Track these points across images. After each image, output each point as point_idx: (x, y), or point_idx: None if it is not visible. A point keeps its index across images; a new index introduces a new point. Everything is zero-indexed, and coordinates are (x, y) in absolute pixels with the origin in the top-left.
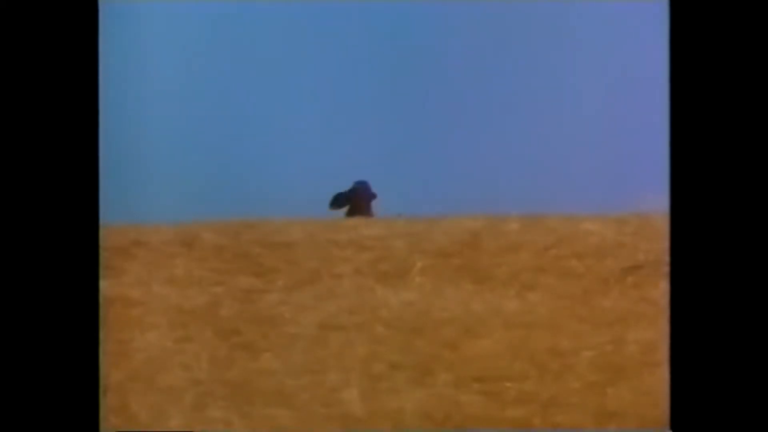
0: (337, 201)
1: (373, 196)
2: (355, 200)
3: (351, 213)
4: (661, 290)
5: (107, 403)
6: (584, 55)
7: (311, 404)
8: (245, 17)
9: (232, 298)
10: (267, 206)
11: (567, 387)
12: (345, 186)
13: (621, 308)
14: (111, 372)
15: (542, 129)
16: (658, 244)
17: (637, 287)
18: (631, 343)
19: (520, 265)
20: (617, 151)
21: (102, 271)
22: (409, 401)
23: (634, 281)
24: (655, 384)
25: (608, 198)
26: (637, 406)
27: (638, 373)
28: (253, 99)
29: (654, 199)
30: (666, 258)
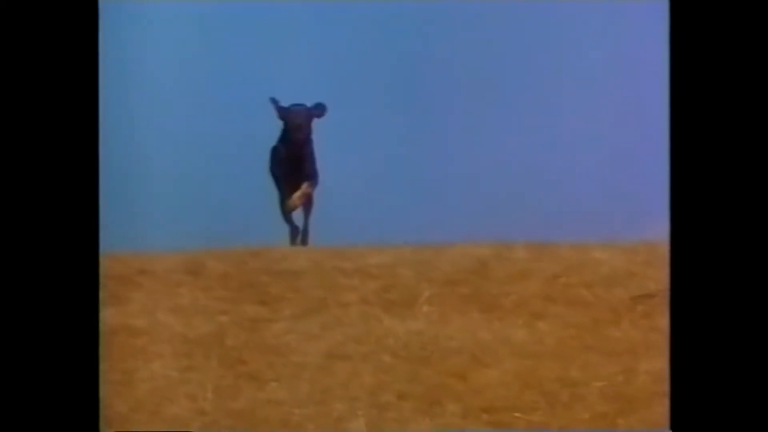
0: (278, 108)
1: (314, 113)
2: (290, 118)
3: (284, 131)
4: None
5: None
6: (585, 59)
7: None
8: (249, 18)
9: (237, 327)
10: (272, 234)
11: (577, 418)
12: (352, 216)
13: (631, 338)
14: (115, 402)
15: (550, 154)
16: (668, 273)
17: (648, 317)
18: (641, 374)
19: (528, 293)
20: (627, 178)
21: (107, 300)
22: None
23: (644, 311)
24: (666, 415)
25: (618, 226)
26: None
27: (649, 404)
28: (257, 112)
29: (664, 228)
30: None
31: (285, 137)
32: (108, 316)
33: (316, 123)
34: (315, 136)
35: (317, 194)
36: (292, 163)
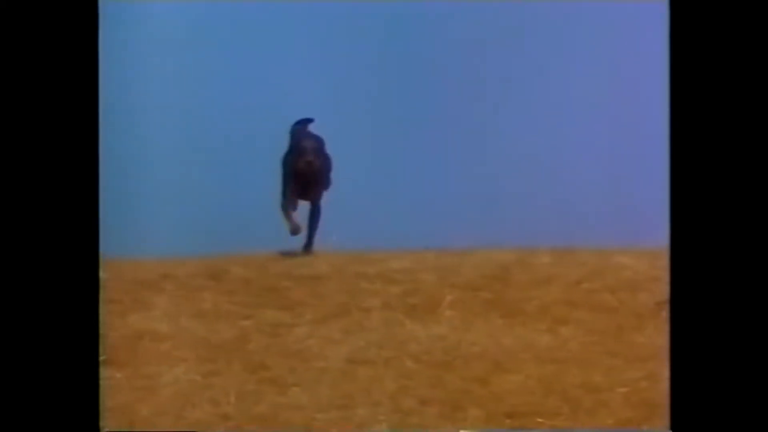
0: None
1: (312, 141)
2: (300, 153)
3: (291, 154)
4: None
5: None
6: (591, 62)
7: None
8: (250, 19)
9: (260, 332)
10: (294, 239)
11: (601, 423)
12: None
13: (655, 343)
14: (139, 407)
15: (571, 158)
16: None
17: None
18: (666, 380)
19: (551, 299)
20: (648, 182)
21: (131, 305)
22: None
23: (668, 316)
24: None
25: (641, 230)
26: None
27: None
28: (259, 113)
29: None
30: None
31: (293, 154)
32: (132, 321)
33: (331, 125)
34: (335, 138)
35: (337, 199)
36: (302, 179)
